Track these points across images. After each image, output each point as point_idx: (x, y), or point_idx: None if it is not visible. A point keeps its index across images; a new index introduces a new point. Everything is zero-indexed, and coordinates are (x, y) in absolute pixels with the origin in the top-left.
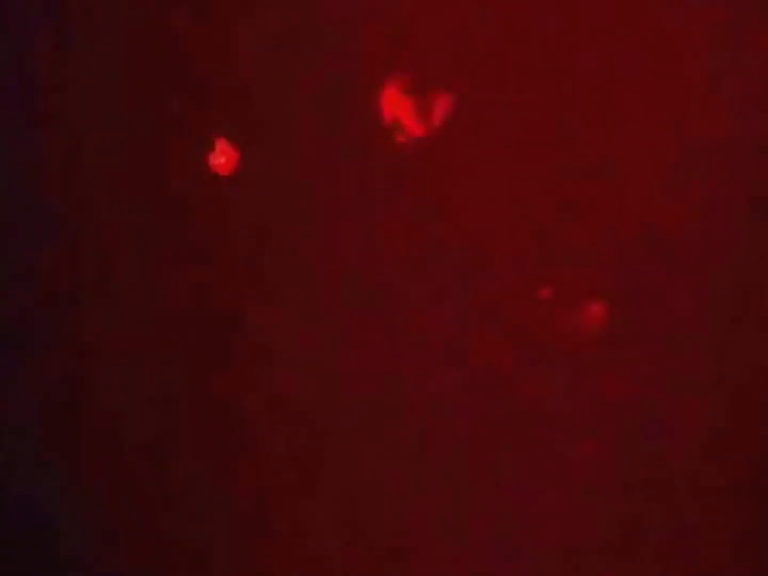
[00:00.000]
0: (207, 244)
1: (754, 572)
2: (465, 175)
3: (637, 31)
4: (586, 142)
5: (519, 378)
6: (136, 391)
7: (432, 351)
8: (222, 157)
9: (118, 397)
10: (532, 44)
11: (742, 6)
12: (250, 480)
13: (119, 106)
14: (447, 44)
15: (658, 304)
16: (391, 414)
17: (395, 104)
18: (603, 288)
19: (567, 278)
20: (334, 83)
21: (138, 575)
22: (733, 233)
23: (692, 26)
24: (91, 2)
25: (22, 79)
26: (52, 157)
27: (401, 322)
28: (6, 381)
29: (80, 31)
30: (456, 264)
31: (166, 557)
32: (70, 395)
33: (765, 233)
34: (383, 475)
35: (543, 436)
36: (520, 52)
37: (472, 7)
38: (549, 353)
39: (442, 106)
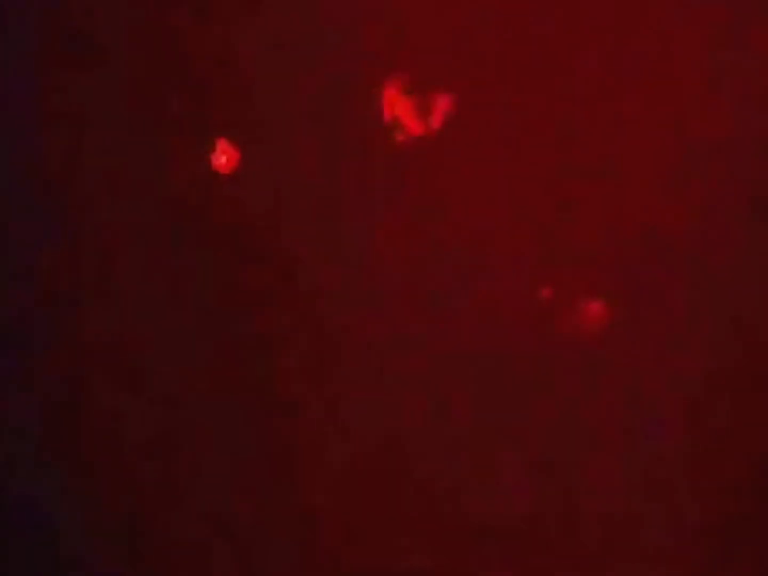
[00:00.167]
0: (207, 243)
1: (754, 572)
2: (465, 175)
3: (637, 31)
4: (586, 142)
5: (519, 378)
6: (136, 391)
7: (432, 351)
8: (223, 157)
9: (118, 397)
10: (532, 44)
11: (742, 6)
12: (250, 480)
13: (119, 106)
14: (447, 44)
15: (658, 304)
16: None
17: (395, 104)
18: (603, 288)
19: (567, 278)
20: (334, 83)
21: (138, 575)
22: (733, 233)
23: (692, 26)
24: (91, 2)
25: (22, 79)
26: (52, 157)
27: (400, 323)
28: (6, 381)
29: (80, 31)
30: (456, 264)
31: (166, 557)
32: (70, 395)
33: (765, 233)
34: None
35: (543, 436)
36: (519, 52)
37: (471, 7)
38: (549, 353)
39: (441, 106)
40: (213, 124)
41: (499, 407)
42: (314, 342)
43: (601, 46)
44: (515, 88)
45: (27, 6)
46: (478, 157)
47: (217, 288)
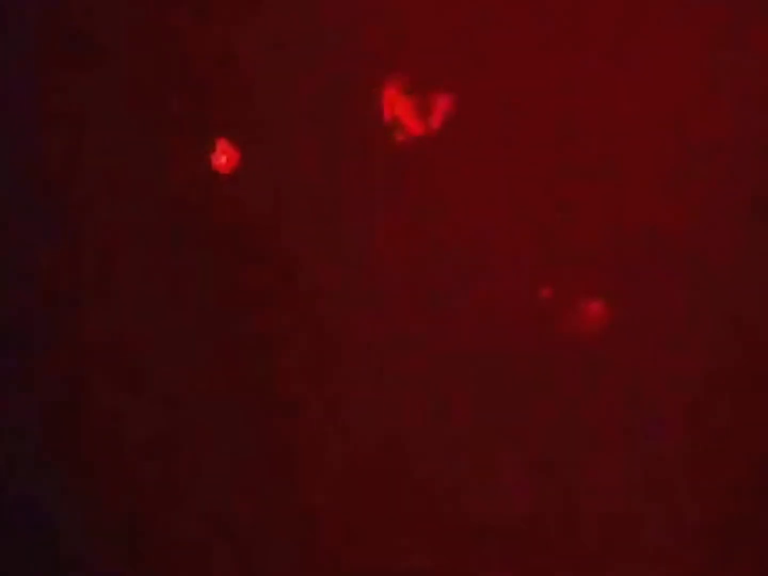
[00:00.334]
0: (207, 243)
1: (754, 572)
2: (465, 175)
3: (637, 31)
4: (586, 142)
5: (519, 378)
6: (136, 390)
7: (432, 351)
8: (223, 157)
9: (118, 397)
10: (532, 44)
11: (742, 6)
12: (250, 480)
13: (119, 106)
14: (447, 44)
15: (658, 304)
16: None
17: (395, 104)
18: (603, 288)
19: (567, 278)
20: (334, 83)
21: (138, 575)
22: (733, 233)
23: (692, 26)
24: (91, 2)
25: (22, 79)
26: (52, 157)
27: (400, 323)
28: (6, 381)
29: (80, 31)
30: (456, 264)
31: (166, 557)
32: (70, 395)
33: (765, 233)
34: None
35: (543, 436)
36: (519, 52)
37: (471, 7)
38: (549, 353)
39: (441, 106)
40: (213, 124)
41: (499, 407)
42: (314, 342)
43: (601, 46)
44: (515, 89)
45: (27, 6)
46: (478, 157)
47: (217, 288)
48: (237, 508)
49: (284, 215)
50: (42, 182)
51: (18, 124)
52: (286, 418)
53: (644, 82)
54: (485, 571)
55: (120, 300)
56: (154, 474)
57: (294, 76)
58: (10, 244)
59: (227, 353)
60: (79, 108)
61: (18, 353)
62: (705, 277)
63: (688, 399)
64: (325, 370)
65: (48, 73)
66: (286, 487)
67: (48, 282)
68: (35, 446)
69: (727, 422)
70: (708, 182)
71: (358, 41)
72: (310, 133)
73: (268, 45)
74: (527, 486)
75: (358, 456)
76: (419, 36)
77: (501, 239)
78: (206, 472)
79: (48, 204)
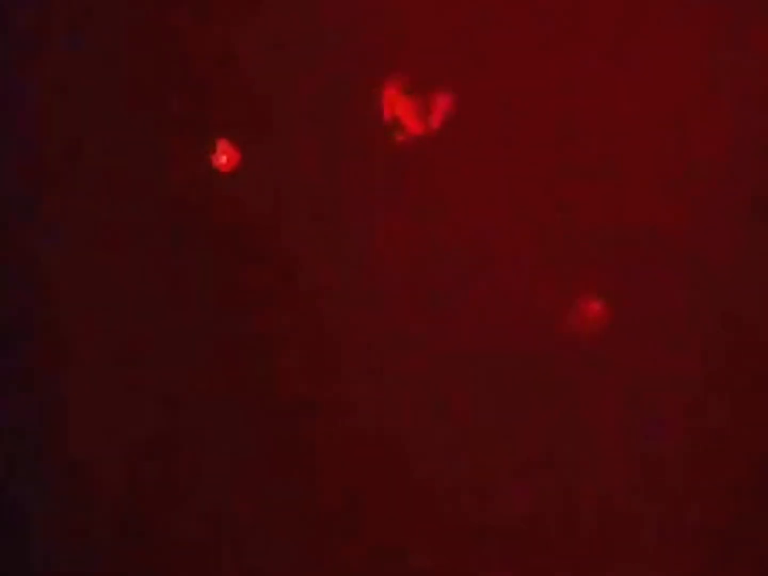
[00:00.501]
0: (207, 243)
1: (754, 572)
2: (465, 175)
3: (637, 31)
4: (586, 142)
5: (519, 378)
6: (137, 390)
7: (432, 350)
8: (223, 157)
9: (118, 397)
10: (532, 44)
11: (742, 6)
12: (250, 479)
13: (120, 106)
14: (447, 44)
15: (658, 304)
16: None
17: (395, 104)
18: (603, 288)
19: (567, 278)
20: (334, 83)
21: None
22: (733, 233)
23: (692, 26)
24: (92, 2)
25: (23, 79)
26: (52, 156)
27: (400, 323)
28: (6, 381)
29: (81, 32)
30: (456, 264)
31: (166, 557)
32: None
33: (765, 233)
34: None
35: (543, 436)
36: (519, 52)
37: (471, 7)
38: (549, 353)
39: (441, 106)
40: (213, 124)
41: (499, 407)
42: (314, 342)
43: (601, 46)
44: (515, 88)
45: (27, 6)
46: (477, 157)
47: (217, 288)
48: (236, 508)
49: (284, 215)
50: (42, 182)
51: (18, 124)
52: (286, 417)
53: (644, 82)
54: (485, 571)
55: (120, 300)
56: (154, 474)
57: (294, 76)
58: (10, 243)
59: (227, 353)
60: (79, 108)
61: (14, 352)
62: (705, 277)
63: (688, 399)
64: (325, 370)
65: (48, 73)
66: (285, 487)
67: (48, 282)
68: (35, 446)
69: (727, 422)
70: (708, 182)
71: (358, 41)
72: (310, 133)
73: (268, 45)
74: (527, 486)
75: (358, 456)
76: (419, 36)
77: (501, 239)
78: (206, 472)
79: (48, 204)
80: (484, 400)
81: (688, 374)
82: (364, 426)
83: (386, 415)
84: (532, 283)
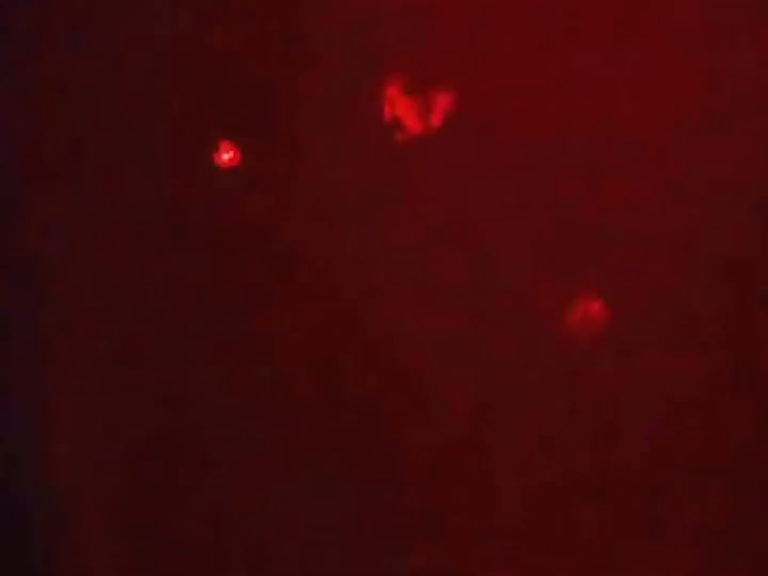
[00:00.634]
0: (207, 243)
1: (754, 572)
2: (464, 175)
3: (637, 30)
4: (587, 142)
5: (518, 377)
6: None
7: (432, 351)
8: (225, 155)
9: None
10: (532, 44)
11: (742, 6)
12: (252, 478)
13: (120, 106)
14: (447, 44)
15: (658, 304)
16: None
17: (395, 104)
18: (603, 288)
19: (567, 278)
20: (334, 83)
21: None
22: (733, 233)
23: (692, 26)
24: (92, 3)
25: (23, 79)
26: (52, 157)
27: (400, 323)
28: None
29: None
30: (456, 264)
31: (167, 557)
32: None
33: (765, 233)
34: None
35: (543, 436)
36: (520, 52)
37: (472, 7)
38: (549, 353)
39: (442, 105)
40: (213, 124)
41: (499, 407)
42: (314, 342)
43: (601, 45)
44: (515, 88)
45: (27, 5)
46: (477, 156)
47: (216, 288)
48: (236, 507)
49: (284, 215)
50: (42, 182)
51: (18, 124)
52: (286, 418)
53: (645, 81)
54: (485, 571)
55: (120, 300)
56: (155, 473)
57: (294, 75)
58: (10, 243)
59: (226, 352)
60: (79, 108)
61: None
62: (705, 277)
63: (688, 399)
64: (325, 371)
65: (48, 73)
66: (285, 487)
67: (48, 281)
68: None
69: (726, 422)
70: (708, 182)
71: (358, 41)
72: (311, 133)
73: (268, 45)
74: (527, 486)
75: (359, 456)
76: (419, 36)
77: (501, 239)
78: (207, 471)
79: (48, 203)
80: (484, 400)
81: (688, 374)
82: (365, 426)
83: (386, 415)
84: (532, 283)
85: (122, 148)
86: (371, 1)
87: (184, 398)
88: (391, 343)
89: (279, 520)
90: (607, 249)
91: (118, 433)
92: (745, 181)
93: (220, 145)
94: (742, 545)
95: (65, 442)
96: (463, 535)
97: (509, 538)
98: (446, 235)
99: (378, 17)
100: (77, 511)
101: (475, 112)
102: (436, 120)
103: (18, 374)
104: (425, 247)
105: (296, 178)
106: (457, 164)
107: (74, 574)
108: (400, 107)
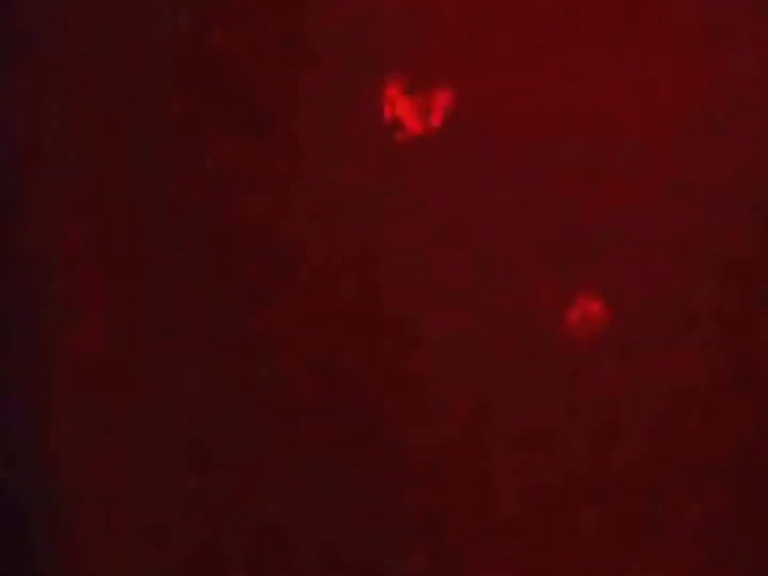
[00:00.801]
0: (207, 243)
1: (754, 572)
2: (464, 175)
3: (637, 30)
4: (587, 142)
5: (518, 378)
6: (138, 390)
7: (432, 351)
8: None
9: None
10: (533, 43)
11: (742, 6)
12: (252, 480)
13: (120, 106)
14: (447, 43)
15: (658, 304)
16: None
17: (395, 104)
18: (603, 288)
19: (567, 278)
20: (334, 83)
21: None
22: (733, 233)
23: (692, 26)
24: (92, 2)
25: (21, 78)
26: (51, 156)
27: (400, 323)
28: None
29: (82, 31)
30: (456, 264)
31: (168, 557)
32: (69, 395)
33: (765, 233)
34: None
35: (543, 437)
36: (520, 52)
37: (472, 6)
38: (549, 353)
39: (442, 105)
40: (213, 124)
41: (499, 407)
42: (314, 342)
43: (601, 45)
44: (515, 88)
45: (26, 5)
46: (477, 156)
47: (216, 288)
48: (237, 506)
49: (284, 215)
50: (42, 182)
51: (18, 124)
52: (285, 418)
53: (645, 81)
54: (485, 571)
55: (120, 299)
56: (155, 473)
57: (294, 75)
58: (9, 242)
59: (226, 353)
60: (79, 108)
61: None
62: (705, 277)
63: (688, 399)
64: (325, 371)
65: (47, 72)
66: (285, 487)
67: (48, 281)
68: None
69: (726, 422)
70: (708, 182)
71: (358, 41)
72: (311, 133)
73: (268, 45)
74: (527, 486)
75: (359, 456)
76: (419, 36)
77: (501, 239)
78: (207, 471)
79: (47, 203)
80: (484, 400)
81: (688, 374)
82: (364, 427)
83: (385, 416)
84: (533, 283)
85: (122, 147)
86: (371, 1)
87: (184, 398)
88: (391, 343)
89: (279, 520)
90: (607, 249)
91: (118, 434)
92: (745, 181)
93: (220, 145)
94: (742, 545)
95: (65, 442)
96: (463, 535)
97: (509, 538)
98: (446, 235)
99: (378, 17)
100: (77, 511)
101: (475, 112)
102: (436, 120)
103: (18, 374)
104: (425, 247)
105: (296, 178)
106: (457, 164)
107: (74, 574)
108: (400, 107)
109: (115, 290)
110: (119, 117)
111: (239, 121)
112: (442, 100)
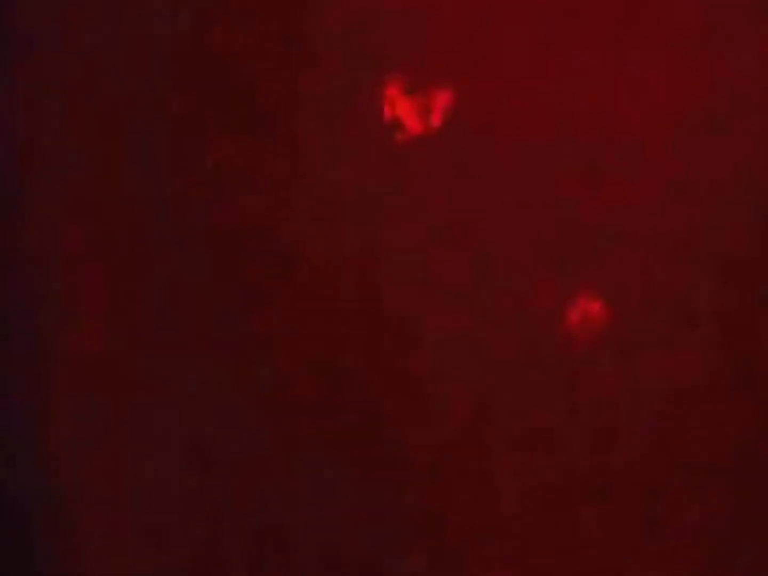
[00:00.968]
0: (207, 243)
1: (754, 572)
2: (464, 175)
3: (637, 29)
4: (587, 142)
5: (518, 378)
6: (138, 390)
7: (432, 351)
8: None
9: (118, 398)
10: (533, 43)
11: (742, 6)
12: (251, 482)
13: (119, 106)
14: (447, 43)
15: (658, 304)
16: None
17: (395, 104)
18: (603, 288)
19: (567, 278)
20: (334, 83)
21: (140, 574)
22: (733, 233)
23: (693, 25)
24: (92, 2)
25: (20, 78)
26: (51, 156)
27: (400, 324)
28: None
29: (82, 31)
30: (456, 264)
31: (168, 557)
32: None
33: (765, 233)
34: None
35: (543, 437)
36: (520, 52)
37: (472, 6)
38: (549, 353)
39: (442, 105)
40: (213, 124)
41: (499, 407)
42: (314, 342)
43: (601, 45)
44: (515, 88)
45: (26, 5)
46: (477, 156)
47: (216, 288)
48: (236, 506)
49: (284, 215)
50: (41, 182)
51: (18, 124)
52: (285, 418)
53: (645, 81)
54: (485, 571)
55: (119, 299)
56: (155, 473)
57: (294, 75)
58: (9, 242)
59: (226, 352)
60: (78, 108)
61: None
62: (705, 277)
63: (688, 399)
64: (326, 371)
65: (47, 72)
66: (285, 487)
67: (47, 281)
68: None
69: (726, 422)
70: (708, 182)
71: (358, 41)
72: (311, 133)
73: (268, 45)
74: (527, 486)
75: (359, 456)
76: (419, 36)
77: (501, 239)
78: (206, 471)
79: (47, 203)
80: (484, 400)
81: (688, 374)
82: (364, 428)
83: (385, 416)
84: (532, 283)
85: (122, 148)
86: (371, 1)
87: (184, 398)
88: (391, 343)
89: (279, 520)
90: (607, 249)
91: (118, 434)
92: (745, 181)
93: (220, 145)
94: (742, 545)
95: (65, 442)
96: (463, 535)
97: (509, 538)
98: (446, 235)
99: (378, 17)
100: (77, 511)
101: (475, 112)
102: (436, 120)
103: (18, 374)
104: (425, 247)
105: (296, 178)
106: (457, 164)
107: (74, 574)
108: (400, 107)
109: (115, 290)
110: (119, 117)
111: (239, 121)
112: (442, 100)
